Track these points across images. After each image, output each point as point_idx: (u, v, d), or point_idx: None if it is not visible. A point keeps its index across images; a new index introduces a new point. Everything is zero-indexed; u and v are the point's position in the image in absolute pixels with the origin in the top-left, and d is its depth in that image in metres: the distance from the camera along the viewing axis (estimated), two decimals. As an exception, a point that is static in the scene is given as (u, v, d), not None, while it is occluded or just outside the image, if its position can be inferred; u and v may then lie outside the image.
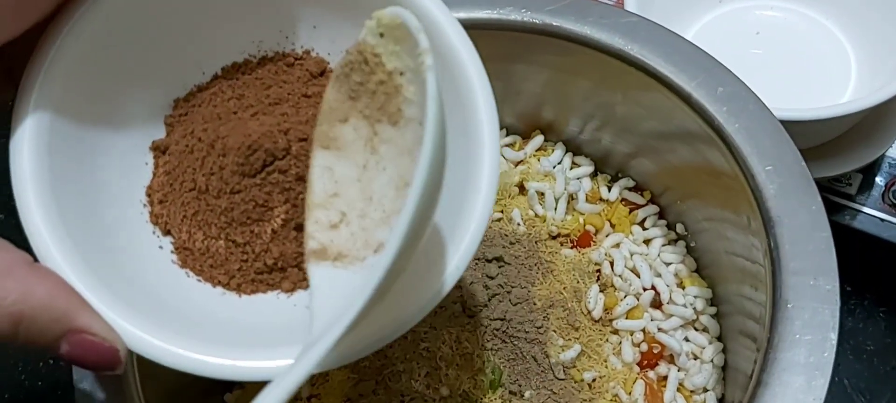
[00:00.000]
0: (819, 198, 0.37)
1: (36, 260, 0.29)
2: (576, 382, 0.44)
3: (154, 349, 0.29)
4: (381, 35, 0.30)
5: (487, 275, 0.45)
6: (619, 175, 0.51)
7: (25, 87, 0.31)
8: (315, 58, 0.36)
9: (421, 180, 0.25)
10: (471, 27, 0.43)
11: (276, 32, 0.35)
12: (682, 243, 0.48)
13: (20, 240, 0.29)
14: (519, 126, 0.52)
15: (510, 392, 0.44)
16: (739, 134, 0.39)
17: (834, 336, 0.33)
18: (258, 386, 0.46)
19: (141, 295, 0.31)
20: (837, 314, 0.34)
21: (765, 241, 0.37)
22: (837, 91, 0.51)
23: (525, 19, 0.45)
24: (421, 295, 0.30)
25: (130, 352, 0.30)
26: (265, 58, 0.36)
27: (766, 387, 0.33)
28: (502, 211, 0.49)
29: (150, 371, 0.39)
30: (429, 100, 0.26)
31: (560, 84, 0.48)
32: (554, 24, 0.45)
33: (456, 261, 0.30)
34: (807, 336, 0.33)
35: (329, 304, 0.30)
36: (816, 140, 0.49)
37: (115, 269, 0.31)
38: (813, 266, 0.35)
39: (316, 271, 0.30)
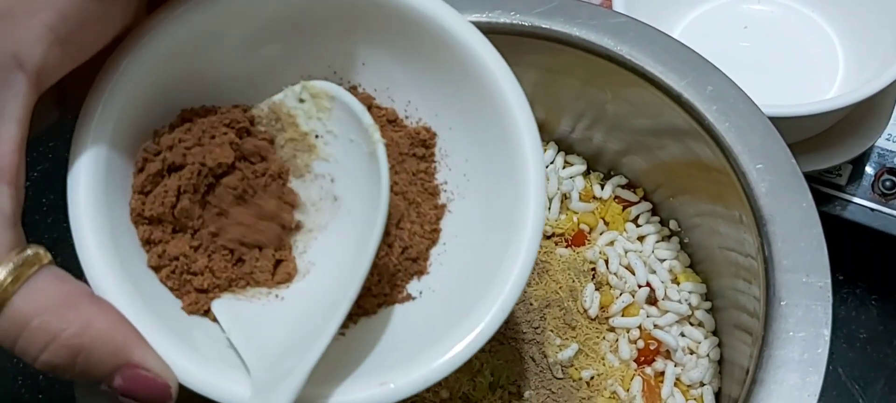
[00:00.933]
0: (810, 196, 0.37)
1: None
2: (574, 381, 0.45)
3: (205, 385, 0.30)
4: (301, 101, 0.33)
5: (484, 277, 0.46)
6: (611, 173, 0.51)
7: (83, 122, 0.31)
8: (362, 93, 0.36)
9: (374, 245, 0.29)
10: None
11: (325, 68, 0.36)
12: (675, 239, 0.49)
13: (77, 271, 0.29)
14: (511, 127, 0.52)
15: (509, 393, 0.44)
16: (729, 132, 0.40)
17: (827, 333, 0.34)
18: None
19: (191, 328, 0.32)
20: (830, 310, 0.34)
21: (757, 239, 0.37)
22: (826, 84, 0.51)
23: (514, 22, 0.45)
24: (435, 363, 0.30)
25: None
26: None
27: (761, 385, 0.33)
28: (497, 213, 0.49)
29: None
30: (381, 171, 0.30)
31: (550, 84, 0.48)
32: (543, 26, 0.45)
33: (483, 327, 0.30)
34: (800, 333, 0.34)
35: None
36: (806, 134, 0.50)
37: (167, 303, 0.32)
38: (805, 263, 0.35)
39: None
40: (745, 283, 0.42)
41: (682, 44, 0.43)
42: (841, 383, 0.51)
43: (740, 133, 0.40)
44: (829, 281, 0.35)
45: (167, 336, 0.30)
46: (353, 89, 0.36)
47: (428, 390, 0.43)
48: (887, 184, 0.51)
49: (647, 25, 0.44)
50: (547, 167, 0.50)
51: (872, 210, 0.51)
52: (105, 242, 0.30)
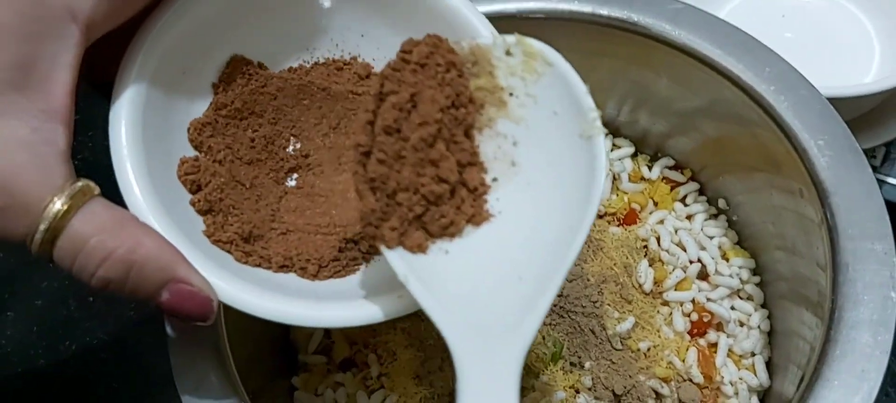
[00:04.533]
0: (869, 169, 0.39)
1: None
2: (632, 352, 0.46)
3: (245, 301, 0.32)
4: (508, 54, 0.33)
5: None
6: (658, 155, 0.53)
7: (126, 64, 0.34)
8: (362, 62, 0.39)
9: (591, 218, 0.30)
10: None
11: (328, 41, 0.39)
12: (723, 217, 0.51)
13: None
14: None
15: (571, 364, 0.46)
16: (788, 112, 0.42)
17: (894, 295, 0.36)
18: (322, 371, 0.48)
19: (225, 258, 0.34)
20: (895, 274, 0.36)
21: (820, 211, 0.39)
22: (862, 70, 0.53)
23: (573, 8, 0.47)
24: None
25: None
26: (317, 63, 0.39)
27: (834, 344, 0.35)
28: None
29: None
30: (598, 158, 0.30)
31: (597, 68, 0.50)
32: (602, 12, 0.47)
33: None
34: (868, 295, 0.36)
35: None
36: (846, 117, 0.52)
37: (196, 229, 0.34)
38: (869, 231, 0.38)
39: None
40: (797, 258, 0.44)
41: (738, 28, 0.45)
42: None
43: (799, 112, 0.42)
44: (892, 246, 0.37)
45: (202, 259, 0.32)
46: (353, 59, 0.39)
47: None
48: (920, 164, 0.54)
49: (703, 12, 0.46)
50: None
51: (906, 189, 0.53)
52: (144, 177, 0.33)
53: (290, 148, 0.37)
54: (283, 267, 0.34)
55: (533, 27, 0.47)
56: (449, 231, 0.32)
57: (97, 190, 0.31)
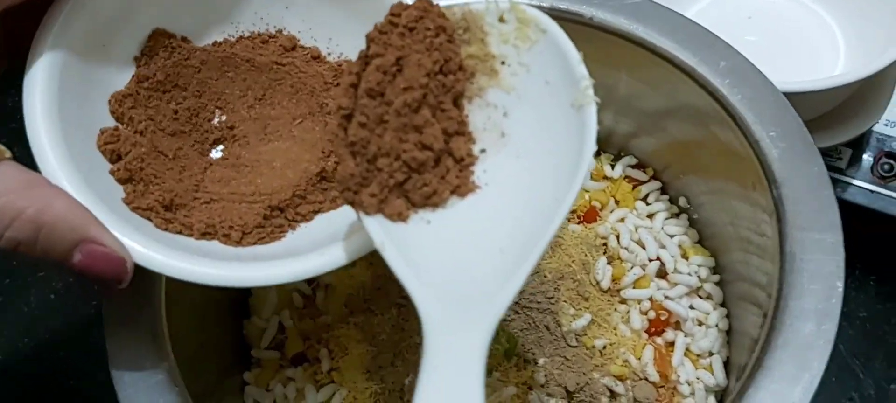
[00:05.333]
0: (821, 160, 0.39)
1: None
2: (587, 349, 0.46)
3: (160, 262, 0.32)
4: (501, 21, 0.31)
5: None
6: (621, 154, 0.53)
7: (42, 31, 0.34)
8: (287, 35, 0.39)
9: (570, 201, 0.29)
10: None
11: (252, 14, 0.39)
12: (684, 216, 0.50)
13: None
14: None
15: (524, 360, 0.45)
16: (742, 104, 0.41)
17: (840, 285, 0.35)
18: (275, 366, 0.47)
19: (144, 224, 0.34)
20: (842, 264, 0.36)
21: (770, 202, 0.39)
22: (828, 70, 0.53)
23: (535, 4, 0.47)
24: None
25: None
26: (242, 37, 0.39)
27: (778, 334, 0.35)
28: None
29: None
30: (587, 128, 0.29)
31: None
32: (561, 7, 0.46)
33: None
34: (814, 285, 0.35)
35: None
36: (809, 114, 0.52)
37: (115, 196, 0.34)
38: (817, 221, 0.37)
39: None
40: (755, 256, 0.43)
41: (695, 23, 0.44)
42: (842, 359, 0.52)
43: (752, 103, 0.41)
44: (840, 237, 0.36)
45: (118, 223, 0.32)
46: (278, 32, 0.39)
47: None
48: (885, 167, 0.53)
49: (660, 6, 0.45)
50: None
51: (872, 191, 0.53)
52: (58, 141, 0.32)
53: (216, 120, 0.37)
54: (205, 235, 0.34)
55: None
56: (432, 200, 0.31)
57: (9, 153, 0.31)
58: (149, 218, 0.33)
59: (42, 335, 0.57)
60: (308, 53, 0.39)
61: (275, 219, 0.35)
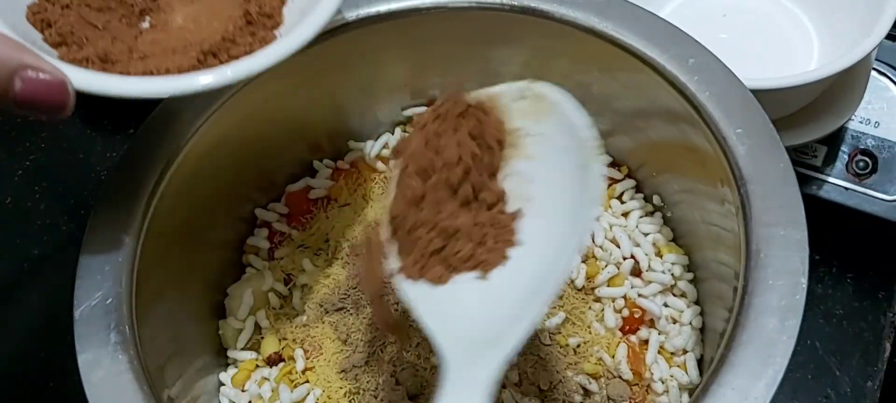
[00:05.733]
0: (787, 157, 0.39)
1: None
2: (561, 347, 0.46)
3: (93, 81, 0.33)
4: (523, 98, 0.36)
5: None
6: (597, 153, 0.53)
7: None
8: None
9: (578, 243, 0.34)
10: (451, 10, 0.46)
11: None
12: (658, 214, 0.50)
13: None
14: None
15: (498, 359, 0.45)
16: (710, 101, 0.41)
17: (804, 281, 0.35)
18: (251, 367, 0.47)
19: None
20: (806, 260, 0.36)
21: (737, 198, 0.39)
22: (802, 68, 0.53)
23: (504, 1, 0.47)
24: None
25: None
26: None
27: (742, 329, 0.35)
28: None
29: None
30: (593, 184, 0.33)
31: (538, 66, 0.50)
32: (532, 4, 0.47)
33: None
34: (779, 281, 0.35)
35: None
36: (783, 111, 0.52)
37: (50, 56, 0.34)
38: (783, 218, 0.37)
39: None
40: (726, 254, 0.43)
41: (665, 20, 0.45)
42: (818, 357, 0.52)
43: (720, 101, 0.41)
44: (805, 233, 0.36)
45: (54, 61, 0.32)
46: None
47: (419, 357, 0.45)
48: (860, 164, 0.53)
49: (631, 4, 0.46)
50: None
51: (847, 189, 0.53)
52: None
53: None
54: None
55: (473, 17, 0.47)
56: (468, 265, 0.34)
57: None
58: (86, 68, 0.34)
59: (21, 336, 0.57)
60: None
61: (210, 62, 0.36)
